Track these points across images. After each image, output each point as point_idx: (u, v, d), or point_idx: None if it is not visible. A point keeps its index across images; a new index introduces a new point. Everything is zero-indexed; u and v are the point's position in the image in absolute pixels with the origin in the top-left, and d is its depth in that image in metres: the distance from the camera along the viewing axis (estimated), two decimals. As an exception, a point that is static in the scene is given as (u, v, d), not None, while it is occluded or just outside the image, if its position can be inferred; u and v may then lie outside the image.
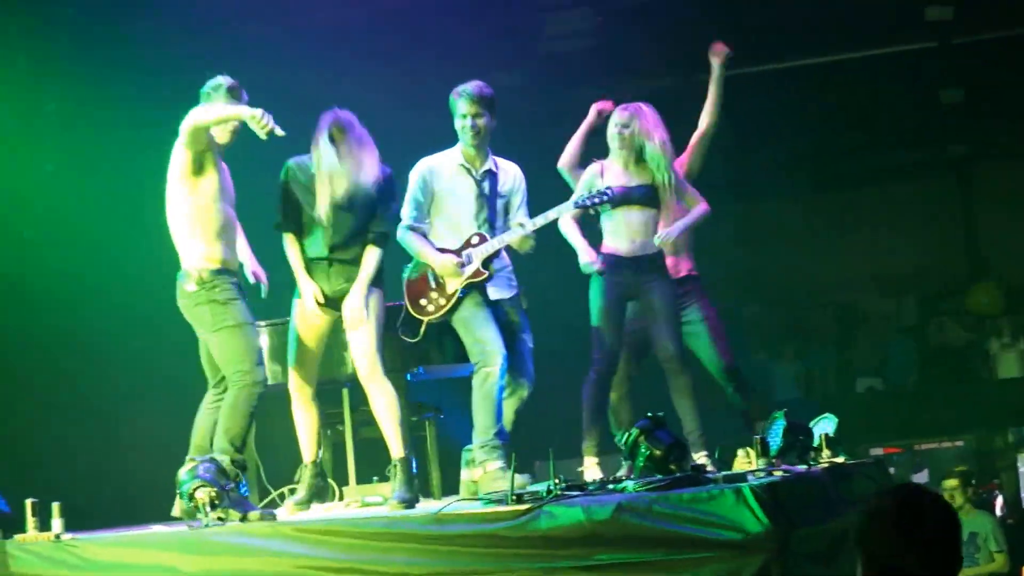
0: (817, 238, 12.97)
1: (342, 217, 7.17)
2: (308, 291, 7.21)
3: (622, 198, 7.82)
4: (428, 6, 9.97)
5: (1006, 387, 12.71)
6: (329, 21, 9.68)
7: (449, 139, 7.65)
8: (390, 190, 7.30)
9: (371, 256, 7.21)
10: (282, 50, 9.52)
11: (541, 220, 7.49)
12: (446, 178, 7.56)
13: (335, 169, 7.11)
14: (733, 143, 11.40)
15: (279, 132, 6.77)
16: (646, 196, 7.91)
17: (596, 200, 7.57)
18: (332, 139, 7.13)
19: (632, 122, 7.88)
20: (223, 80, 7.15)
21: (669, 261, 8.23)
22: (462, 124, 7.48)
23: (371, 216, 7.21)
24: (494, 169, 7.61)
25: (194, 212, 7.02)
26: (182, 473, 6.76)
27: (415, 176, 7.60)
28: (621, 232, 7.88)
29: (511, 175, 7.68)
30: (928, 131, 12.39)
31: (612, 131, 7.91)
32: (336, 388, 7.85)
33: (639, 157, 7.85)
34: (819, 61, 11.94)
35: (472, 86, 7.46)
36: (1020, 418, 11.37)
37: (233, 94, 7.10)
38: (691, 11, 10.95)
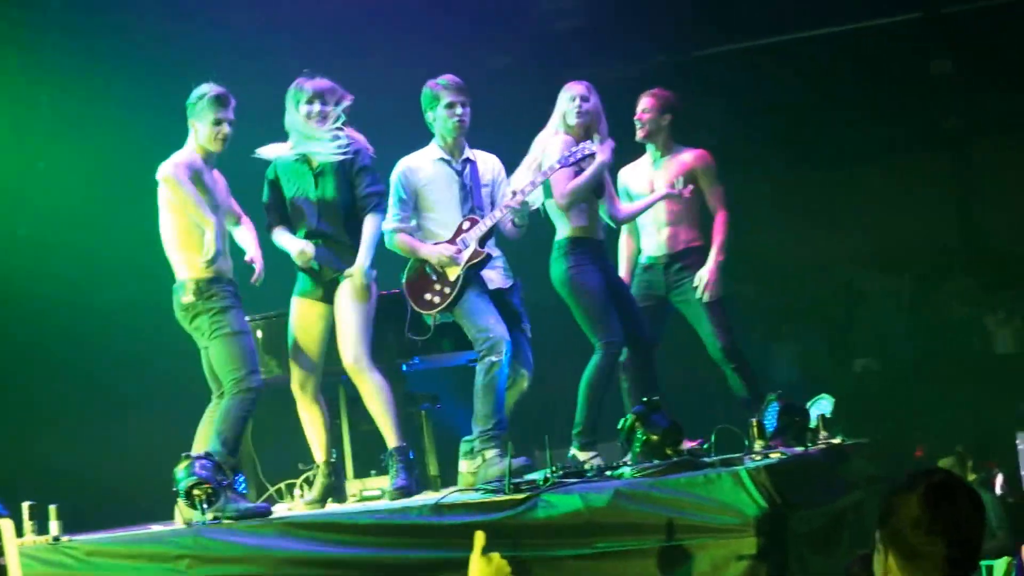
0: (810, 216, 12.99)
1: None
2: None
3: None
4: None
5: (1004, 363, 12.77)
6: (312, 7, 9.68)
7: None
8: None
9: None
10: (266, 39, 9.55)
11: (530, 187, 7.50)
12: (426, 173, 7.62)
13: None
14: (723, 119, 11.47)
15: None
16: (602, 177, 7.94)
17: (579, 156, 7.55)
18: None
19: (592, 96, 7.92)
20: (207, 89, 7.23)
21: (667, 232, 8.31)
22: (446, 115, 7.52)
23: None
24: (472, 159, 7.65)
25: (185, 225, 7.15)
26: (178, 470, 6.83)
27: (395, 177, 7.66)
28: (595, 215, 7.93)
29: (491, 165, 7.74)
30: (920, 104, 12.42)
31: (570, 105, 7.88)
32: (332, 381, 7.89)
33: (591, 135, 7.84)
34: (806, 35, 12.01)
35: (451, 77, 7.53)
36: (1017, 395, 11.41)
37: (219, 103, 7.19)
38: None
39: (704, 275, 8.30)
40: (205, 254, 7.05)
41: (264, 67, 8.69)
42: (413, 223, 7.67)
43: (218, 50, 9.21)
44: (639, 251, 8.58)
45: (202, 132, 7.19)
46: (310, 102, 7.36)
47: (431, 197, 7.61)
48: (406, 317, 7.64)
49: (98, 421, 9.68)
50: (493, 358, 7.28)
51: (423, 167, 7.63)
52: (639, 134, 8.46)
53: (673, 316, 8.56)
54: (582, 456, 7.65)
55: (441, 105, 7.51)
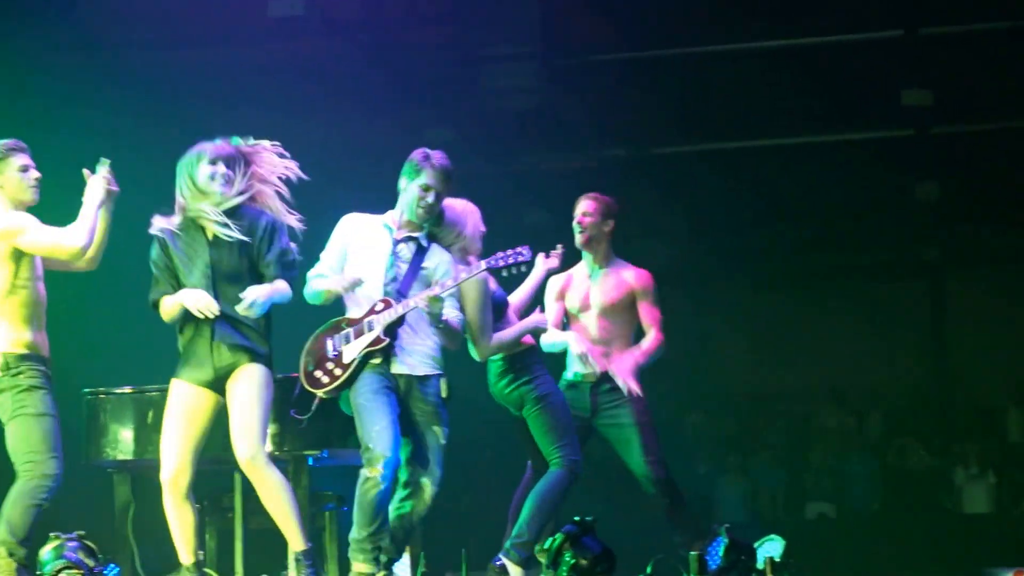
0: (770, 339, 13.09)
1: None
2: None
3: None
4: (360, 56, 10.11)
5: (972, 523, 12.83)
6: (258, 69, 9.77)
7: (384, 194, 7.75)
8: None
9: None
10: (212, 95, 9.61)
11: (451, 282, 7.49)
12: (364, 235, 7.67)
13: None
14: (685, 228, 11.55)
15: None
16: None
17: (510, 261, 7.55)
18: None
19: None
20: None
21: (599, 350, 8.39)
22: (417, 193, 7.55)
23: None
24: (424, 245, 7.68)
25: (6, 292, 7.19)
26: (44, 552, 6.95)
27: (337, 228, 7.70)
28: None
29: (441, 258, 7.74)
30: (901, 230, 12.63)
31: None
32: (227, 471, 7.87)
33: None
34: (785, 142, 12.16)
35: (442, 162, 7.56)
36: (988, 560, 11.38)
37: (20, 149, 7.30)
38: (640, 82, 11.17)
39: (620, 368, 8.29)
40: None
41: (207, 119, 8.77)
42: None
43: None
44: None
45: (10, 183, 7.26)
46: (213, 163, 7.35)
47: (359, 260, 7.63)
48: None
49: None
50: (367, 472, 7.26)
51: (365, 228, 7.69)
52: (579, 240, 8.49)
53: (595, 439, 8.55)
54: (515, 571, 7.61)
55: (417, 182, 7.54)
